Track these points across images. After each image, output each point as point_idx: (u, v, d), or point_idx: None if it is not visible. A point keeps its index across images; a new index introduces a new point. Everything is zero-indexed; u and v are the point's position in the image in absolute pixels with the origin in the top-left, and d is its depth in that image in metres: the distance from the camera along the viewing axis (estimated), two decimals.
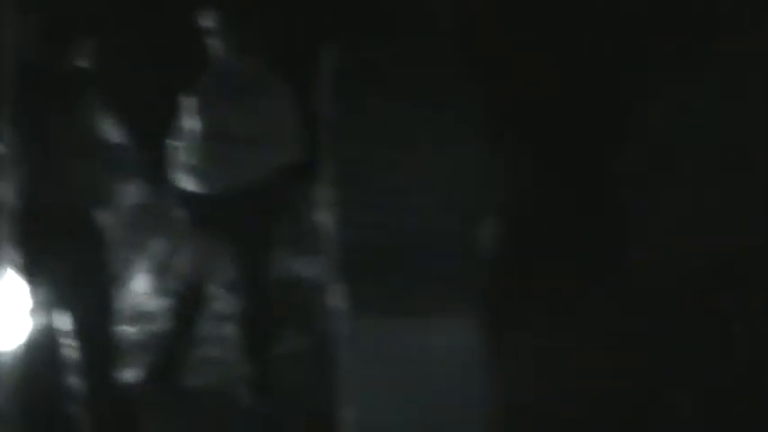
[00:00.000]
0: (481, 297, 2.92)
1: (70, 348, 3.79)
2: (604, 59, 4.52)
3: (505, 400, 2.98)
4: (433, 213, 2.83)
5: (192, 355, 4.81)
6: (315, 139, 2.94)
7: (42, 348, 3.82)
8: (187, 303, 4.73)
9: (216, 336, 5.17)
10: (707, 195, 3.72)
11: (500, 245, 2.99)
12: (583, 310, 4.08)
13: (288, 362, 4.89)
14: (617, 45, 4.43)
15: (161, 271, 5.75)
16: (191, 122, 4.61)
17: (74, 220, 3.76)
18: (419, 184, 2.82)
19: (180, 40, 4.98)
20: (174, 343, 4.76)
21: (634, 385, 3.82)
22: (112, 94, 3.86)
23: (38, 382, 3.84)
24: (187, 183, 4.64)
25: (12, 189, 3.76)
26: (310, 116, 3.04)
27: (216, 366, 4.98)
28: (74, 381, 3.79)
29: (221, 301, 5.20)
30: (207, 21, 4.56)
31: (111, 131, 3.89)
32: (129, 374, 4.63)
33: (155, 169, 4.78)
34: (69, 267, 3.74)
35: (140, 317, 5.50)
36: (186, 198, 4.66)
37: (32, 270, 3.77)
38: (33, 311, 3.81)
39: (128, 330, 5.18)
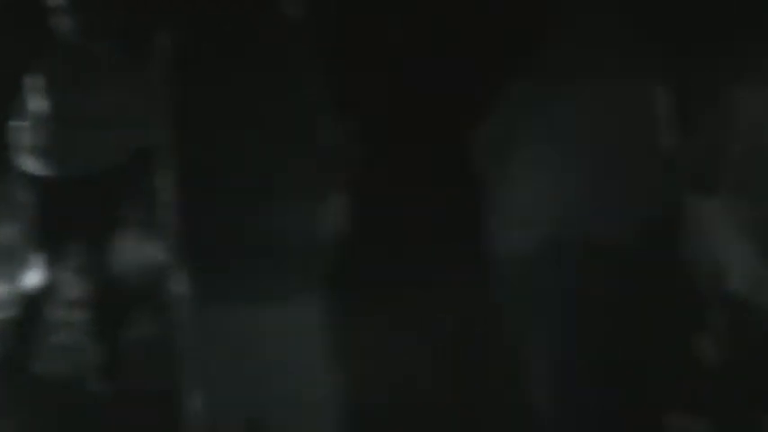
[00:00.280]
0: (326, 280, 2.94)
1: None
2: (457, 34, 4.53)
3: (352, 383, 3.01)
4: (276, 196, 2.83)
5: (40, 342, 4.74)
6: (161, 122, 2.92)
7: None
8: (34, 290, 4.65)
9: (65, 321, 5.10)
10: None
11: (345, 226, 3.02)
12: (434, 292, 4.12)
13: (137, 347, 4.85)
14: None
15: (6, 257, 5.62)
16: (36, 104, 4.52)
17: None
18: (259, 168, 2.82)
19: (26, 18, 4.86)
20: (22, 330, 4.68)
21: (482, 369, 3.88)
22: None
23: None
24: (32, 166, 4.56)
25: None
26: (157, 100, 3.01)
27: (65, 352, 4.91)
28: None
29: (70, 285, 5.12)
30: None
31: None
32: None
33: None
34: None
35: None
36: (32, 181, 4.58)
37: None
38: None
39: None
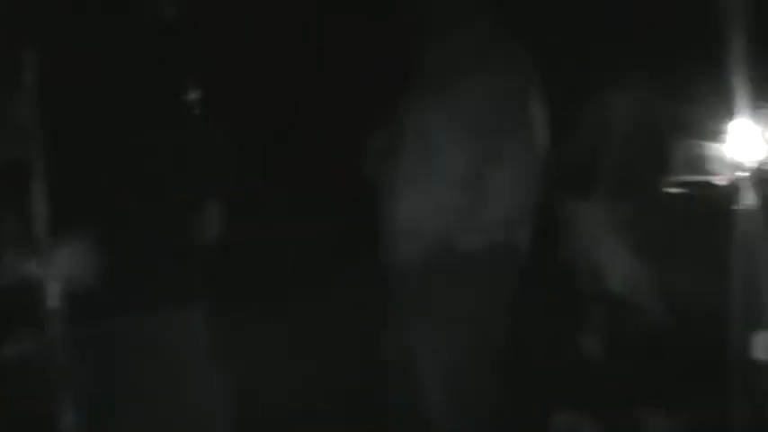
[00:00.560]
0: (207, 287, 2.92)
1: None
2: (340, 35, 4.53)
3: (238, 388, 2.99)
4: (153, 204, 2.80)
5: None
6: (32, 136, 2.87)
7: None
8: None
9: None
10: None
11: (225, 232, 3.01)
12: (318, 296, 4.12)
13: (13, 365, 4.72)
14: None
15: None
16: None
17: None
18: (136, 175, 2.78)
19: None
20: None
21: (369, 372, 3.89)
22: None
23: None
24: None
25: None
26: (27, 113, 2.97)
27: None
28: None
29: None
30: None
31: None
32: None
33: None
34: None
35: None
36: None
37: None
38: None
39: None
